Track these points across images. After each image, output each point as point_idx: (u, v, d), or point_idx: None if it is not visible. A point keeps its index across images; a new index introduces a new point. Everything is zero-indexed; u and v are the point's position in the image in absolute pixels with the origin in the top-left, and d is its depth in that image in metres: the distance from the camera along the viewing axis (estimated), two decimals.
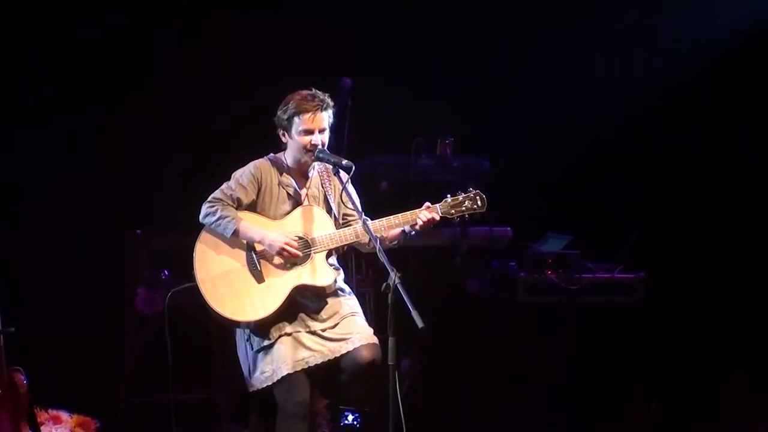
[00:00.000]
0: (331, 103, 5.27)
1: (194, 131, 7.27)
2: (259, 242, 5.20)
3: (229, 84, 7.32)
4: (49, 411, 6.19)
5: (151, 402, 6.56)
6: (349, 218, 5.37)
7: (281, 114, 5.26)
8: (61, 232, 7.15)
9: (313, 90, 5.25)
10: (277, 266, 5.22)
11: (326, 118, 5.25)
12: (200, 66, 7.35)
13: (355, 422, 6.56)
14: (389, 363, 4.76)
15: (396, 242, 5.32)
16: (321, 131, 5.23)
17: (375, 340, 5.19)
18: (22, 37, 7.18)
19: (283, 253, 5.16)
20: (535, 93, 7.53)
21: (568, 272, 7.06)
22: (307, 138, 5.22)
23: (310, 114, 5.20)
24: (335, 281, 5.28)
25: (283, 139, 5.31)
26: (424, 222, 5.19)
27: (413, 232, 5.25)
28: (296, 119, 5.22)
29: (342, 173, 5.20)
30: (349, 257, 6.51)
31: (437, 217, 5.22)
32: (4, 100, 7.08)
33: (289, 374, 5.12)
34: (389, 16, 7.66)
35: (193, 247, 5.25)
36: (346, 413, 6.54)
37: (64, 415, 6.22)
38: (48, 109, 7.21)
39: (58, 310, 7.06)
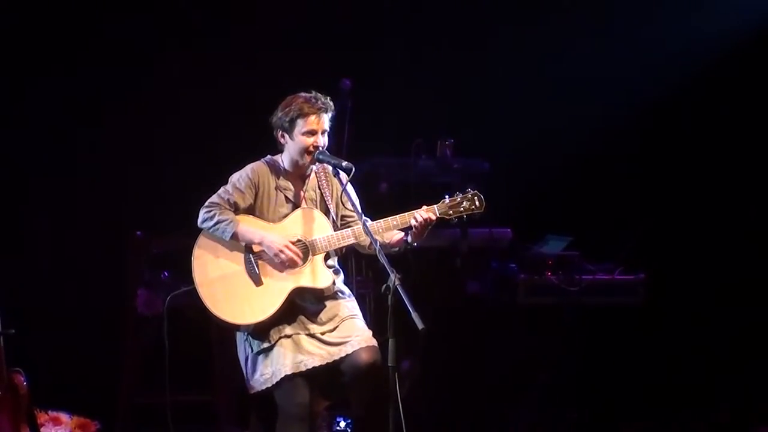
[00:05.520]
0: (332, 106, 5.29)
1: (194, 133, 7.26)
2: (259, 243, 5.19)
3: (229, 85, 7.32)
4: (49, 412, 6.20)
5: (152, 403, 6.54)
6: (349, 219, 5.36)
7: (283, 116, 5.26)
8: (61, 233, 7.15)
9: (314, 92, 5.27)
10: (276, 268, 5.22)
11: (328, 120, 5.27)
12: (200, 67, 7.35)
13: (347, 429, 6.54)
14: (389, 364, 4.76)
15: (396, 249, 5.30)
16: (323, 133, 5.26)
17: (374, 342, 5.18)
18: (23, 37, 7.17)
19: (281, 255, 5.16)
20: (534, 94, 7.53)
21: (568, 274, 7.05)
22: (310, 139, 5.23)
23: (314, 116, 5.22)
24: (334, 283, 5.28)
25: (282, 141, 5.31)
26: (420, 222, 5.16)
27: (415, 244, 5.23)
28: (300, 121, 5.23)
29: (342, 174, 5.22)
30: (349, 259, 6.52)
31: (434, 218, 5.19)
32: (4, 101, 7.08)
33: (288, 376, 5.12)
34: (389, 16, 7.66)
35: (191, 252, 5.25)
36: (338, 419, 6.51)
37: (64, 417, 6.23)
38: (48, 110, 7.21)
39: (58, 310, 7.07)
